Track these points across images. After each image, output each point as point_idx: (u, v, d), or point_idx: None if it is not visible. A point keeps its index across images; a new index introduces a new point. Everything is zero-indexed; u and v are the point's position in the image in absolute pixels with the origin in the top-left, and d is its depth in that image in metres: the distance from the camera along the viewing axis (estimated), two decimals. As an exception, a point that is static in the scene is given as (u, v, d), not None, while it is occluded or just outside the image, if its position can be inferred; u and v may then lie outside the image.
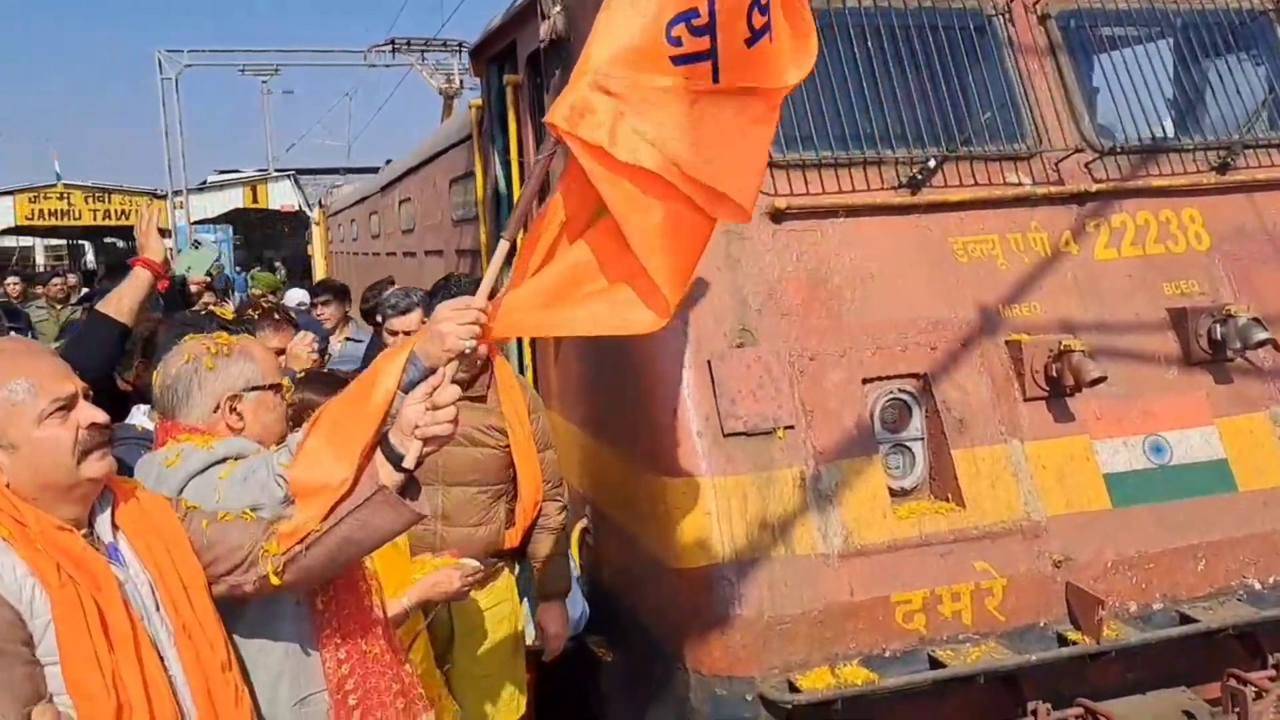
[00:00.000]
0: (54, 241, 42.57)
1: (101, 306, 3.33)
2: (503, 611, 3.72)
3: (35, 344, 2.09)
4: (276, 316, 4.35)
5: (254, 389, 2.41)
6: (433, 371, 2.16)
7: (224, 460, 2.29)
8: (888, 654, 3.38)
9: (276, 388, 2.46)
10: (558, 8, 3.87)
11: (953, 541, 3.49)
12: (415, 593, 2.88)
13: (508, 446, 3.63)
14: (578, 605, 3.99)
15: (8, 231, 35.34)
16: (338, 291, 6.94)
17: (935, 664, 3.35)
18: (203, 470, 2.27)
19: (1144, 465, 3.72)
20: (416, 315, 4.17)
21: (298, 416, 2.91)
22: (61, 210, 32.20)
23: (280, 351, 4.12)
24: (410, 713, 2.37)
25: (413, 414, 2.09)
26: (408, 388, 2.16)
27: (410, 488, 2.15)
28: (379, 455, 2.13)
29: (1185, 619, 3.54)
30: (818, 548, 3.39)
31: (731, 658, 3.33)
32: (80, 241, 41.90)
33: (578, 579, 4.05)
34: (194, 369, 2.38)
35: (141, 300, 3.34)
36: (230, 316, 3.10)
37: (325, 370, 3.65)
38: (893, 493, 3.58)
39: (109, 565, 1.94)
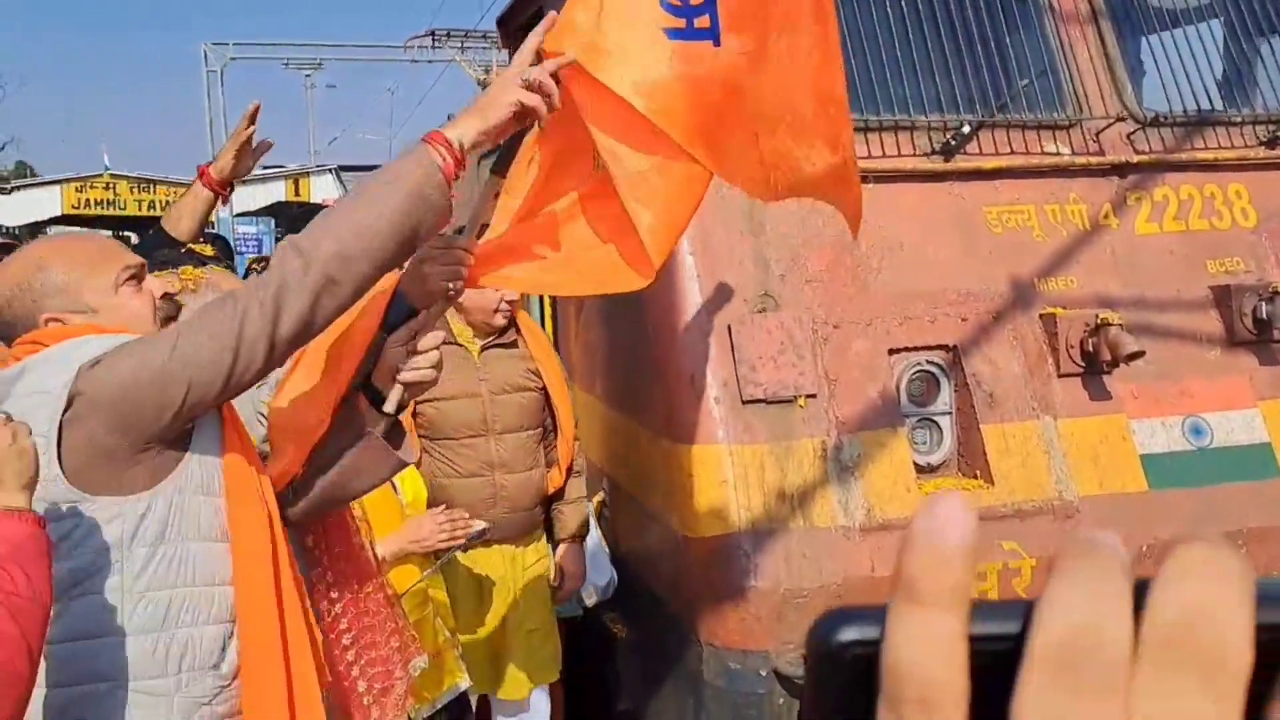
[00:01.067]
0: (101, 232, 43.23)
1: (164, 224, 3.25)
2: (545, 566, 3.74)
3: (98, 233, 2.15)
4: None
5: None
6: (416, 313, 2.08)
7: None
8: (909, 633, 3.26)
9: None
10: (583, -35, 3.78)
11: (980, 519, 3.33)
12: (389, 544, 2.81)
13: (544, 388, 3.67)
14: (605, 572, 3.94)
15: (55, 221, 35.93)
16: None
17: (958, 644, 3.22)
18: None
19: (1183, 447, 3.56)
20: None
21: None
22: (107, 200, 32.64)
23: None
24: (405, 654, 2.29)
25: (394, 356, 2.02)
26: (391, 329, 2.08)
27: (394, 432, 2.08)
28: (363, 400, 2.05)
29: (1223, 607, 3.39)
30: (838, 520, 3.27)
31: (746, 631, 3.22)
32: (125, 232, 42.52)
33: (605, 549, 4.01)
34: None
35: (201, 217, 3.24)
36: (211, 253, 3.00)
37: None
38: (918, 468, 3.45)
39: None
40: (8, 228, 32.50)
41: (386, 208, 1.76)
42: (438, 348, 2.02)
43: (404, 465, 2.11)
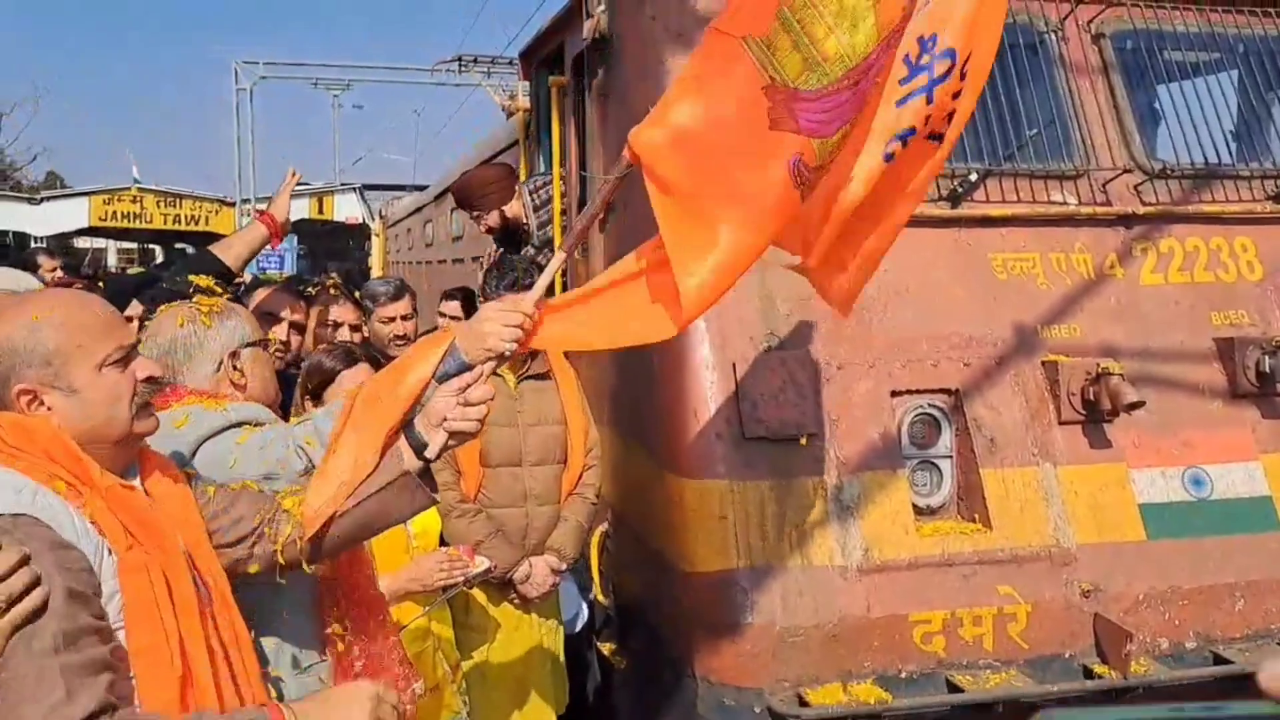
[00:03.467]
0: (126, 245, 43.66)
1: (214, 248, 3.48)
2: (553, 600, 3.75)
3: (98, 297, 2.04)
4: (333, 291, 4.44)
5: (249, 344, 2.44)
6: (470, 367, 2.15)
7: (240, 425, 2.29)
8: (903, 675, 3.28)
9: (265, 343, 2.49)
10: (601, 6, 3.88)
11: (977, 563, 3.38)
12: (390, 582, 2.86)
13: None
14: (573, 606, 3.97)
15: (82, 232, 36.33)
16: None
17: (953, 688, 3.24)
18: (217, 433, 2.27)
19: (1182, 497, 3.58)
20: (407, 301, 4.48)
21: (307, 380, 2.93)
22: (134, 213, 32.97)
23: (339, 325, 4.21)
24: (406, 680, 2.34)
25: (443, 406, 2.07)
26: (442, 378, 2.15)
27: (426, 474, 2.14)
28: (402, 440, 2.11)
29: (1219, 660, 3.40)
30: (836, 560, 3.31)
31: (741, 667, 3.25)
32: (151, 245, 42.94)
33: (579, 582, 4.03)
34: (192, 330, 2.39)
35: (252, 251, 3.53)
36: (206, 284, 3.12)
37: (346, 343, 3.67)
38: (918, 510, 3.49)
39: (174, 528, 1.87)
40: (37, 238, 32.88)
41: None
42: (487, 402, 2.09)
43: (434, 503, 2.16)
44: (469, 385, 2.09)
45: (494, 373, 2.19)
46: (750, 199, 2.17)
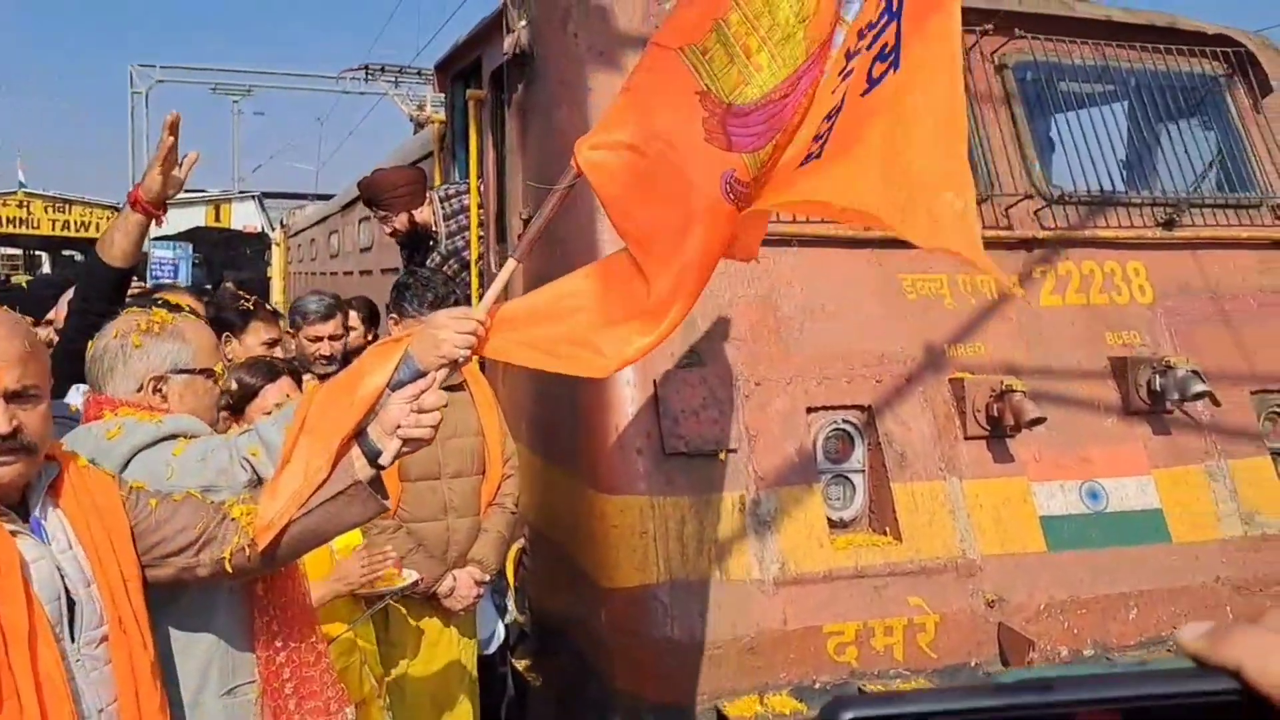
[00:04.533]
0: (11, 251, 41.79)
1: (98, 249, 3.16)
2: (471, 615, 3.72)
3: (6, 319, 1.92)
4: (267, 308, 4.36)
5: (182, 372, 2.35)
6: (423, 374, 2.15)
7: (174, 437, 2.24)
8: (817, 685, 3.35)
9: (208, 373, 2.41)
10: (523, 22, 3.89)
11: (888, 575, 3.48)
12: (317, 588, 2.82)
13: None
14: (490, 624, 3.95)
15: (-39, 237, 34.70)
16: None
17: (864, 698, 3.32)
18: (150, 444, 2.21)
19: (1080, 510, 3.74)
20: (336, 321, 4.43)
21: (229, 398, 2.87)
22: (20, 219, 31.62)
23: (274, 343, 4.11)
24: (339, 704, 2.30)
25: (397, 413, 2.07)
26: (395, 386, 2.14)
27: (377, 482, 2.13)
28: (355, 449, 2.10)
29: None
30: (753, 574, 3.36)
31: (661, 681, 3.28)
32: (38, 252, 41.22)
33: (495, 601, 4.01)
34: (121, 344, 2.32)
35: (136, 240, 3.11)
36: (186, 304, 3.01)
37: (265, 358, 3.61)
38: (831, 523, 3.57)
39: (16, 544, 1.82)
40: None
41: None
42: (440, 409, 2.09)
43: (384, 509, 2.15)
44: (422, 392, 2.10)
45: (447, 380, 2.19)
46: (689, 223, 2.24)
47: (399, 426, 2.06)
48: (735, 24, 2.18)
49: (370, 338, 5.26)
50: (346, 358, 4.31)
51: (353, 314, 5.12)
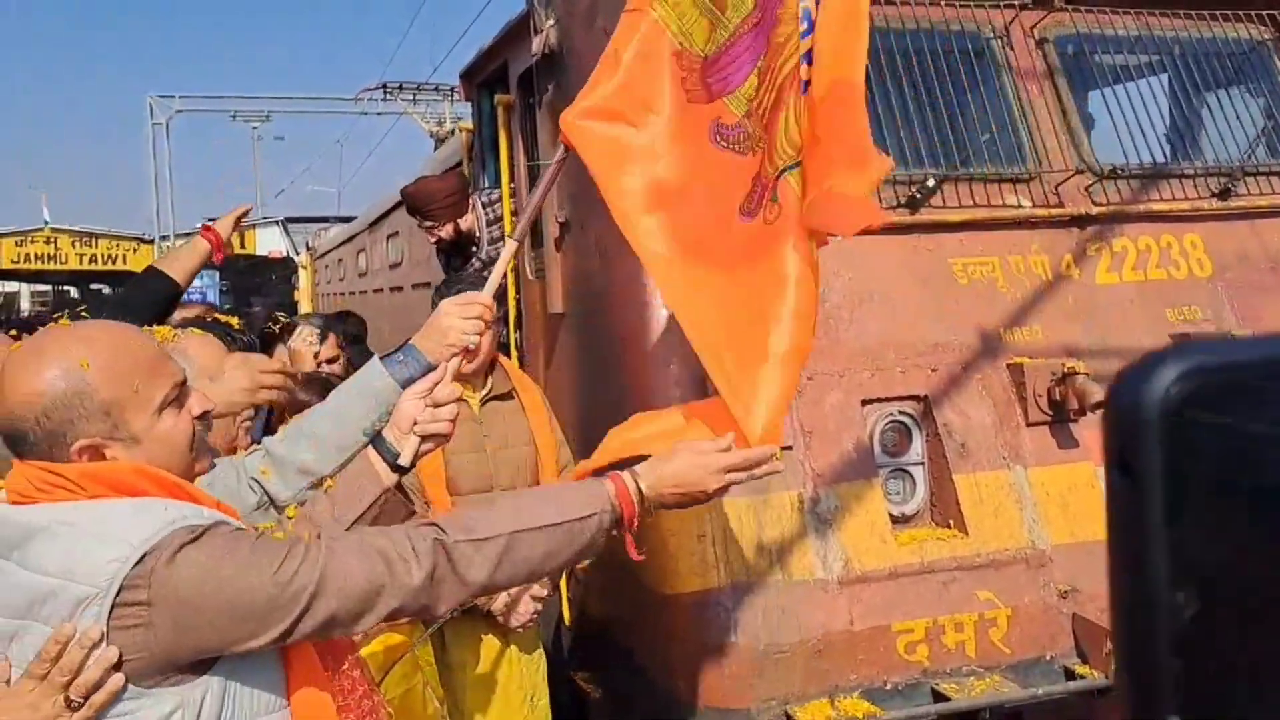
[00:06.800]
0: (40, 287, 42.36)
1: (158, 263, 3.39)
2: (535, 630, 3.61)
3: (130, 327, 1.87)
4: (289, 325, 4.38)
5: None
6: (433, 367, 2.09)
7: None
8: (889, 686, 3.24)
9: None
10: (551, 22, 3.82)
11: (955, 569, 3.36)
12: None
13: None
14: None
15: (-7, 275, 35.16)
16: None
17: (939, 697, 3.21)
18: None
19: (1151, 493, 3.61)
20: (332, 341, 4.39)
21: (281, 415, 2.80)
22: (48, 254, 32.04)
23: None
24: None
25: (411, 410, 2.01)
26: (406, 383, 2.08)
27: (401, 488, 2.07)
28: (371, 453, 2.02)
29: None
30: (816, 574, 3.26)
31: (725, 688, 3.18)
32: (66, 287, 41.69)
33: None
34: None
35: (195, 267, 3.41)
36: (237, 324, 3.04)
37: (320, 374, 3.58)
38: (893, 518, 3.46)
39: None
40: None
41: (555, 555, 1.87)
42: (456, 400, 2.04)
43: (412, 514, 2.09)
44: (435, 385, 2.04)
45: (458, 369, 2.14)
46: (692, 204, 2.27)
47: (415, 423, 2.00)
48: None
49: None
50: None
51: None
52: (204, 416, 1.78)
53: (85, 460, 1.63)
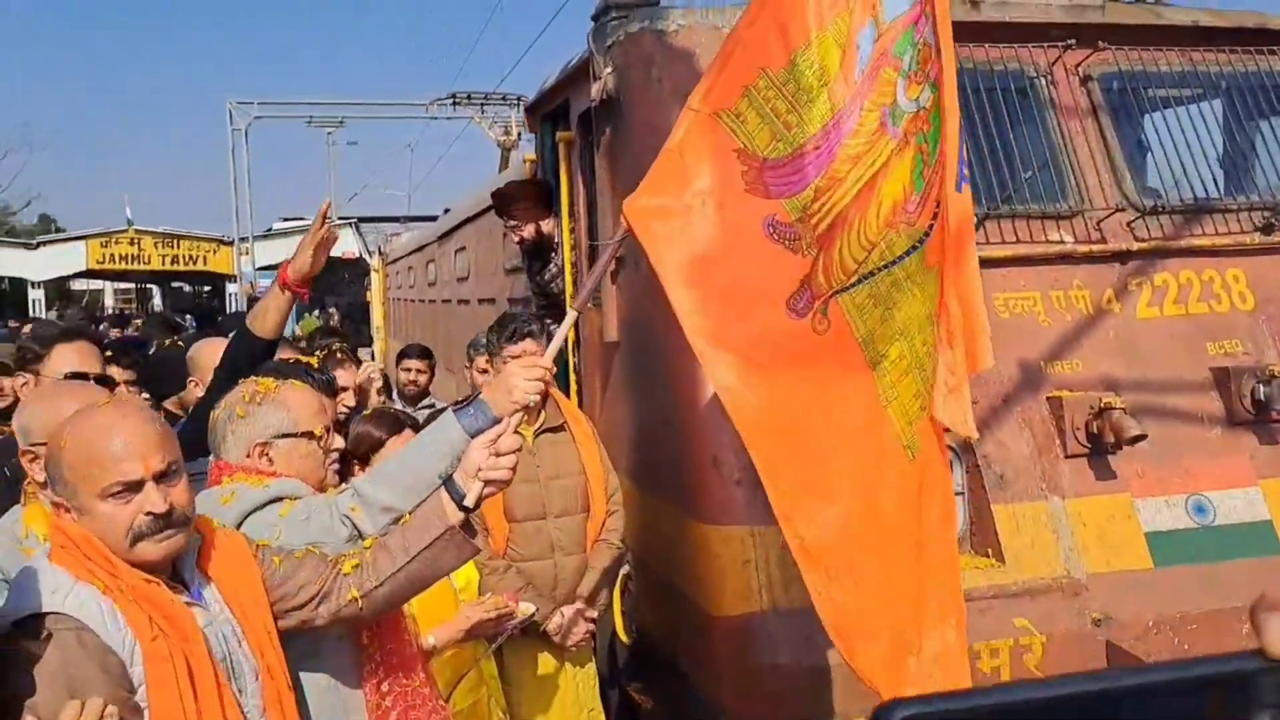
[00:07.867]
0: (123, 285, 43.81)
1: (249, 321, 3.36)
2: (584, 674, 3.83)
3: (136, 408, 2.17)
4: (339, 355, 4.43)
5: (285, 436, 2.51)
6: (498, 420, 2.36)
7: (280, 499, 2.41)
8: (927, 707, 3.38)
9: (310, 435, 2.56)
10: (609, 69, 4.02)
11: (992, 597, 3.50)
12: (442, 633, 2.98)
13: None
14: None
15: (80, 275, 36.44)
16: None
17: None
18: (259, 508, 2.39)
19: (1186, 525, 3.71)
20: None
21: (356, 448, 3.05)
22: (132, 255, 33.17)
23: (345, 389, 4.20)
24: None
25: (478, 457, 2.25)
26: (475, 433, 2.34)
27: (468, 525, 2.29)
28: (443, 494, 2.27)
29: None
30: (856, 599, 3.41)
31: (770, 706, 3.36)
32: (149, 285, 43.05)
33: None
34: (228, 415, 2.51)
35: (284, 315, 3.31)
36: (315, 364, 3.19)
37: (390, 409, 3.79)
38: (932, 546, 3.59)
39: (194, 615, 2.02)
40: (34, 282, 33.00)
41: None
42: (516, 451, 2.27)
43: (477, 552, 2.33)
44: (499, 436, 2.28)
45: (521, 424, 2.38)
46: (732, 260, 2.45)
47: (480, 470, 2.23)
48: (764, 89, 2.40)
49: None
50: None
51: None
52: (152, 516, 1.99)
53: (58, 511, 2.03)
